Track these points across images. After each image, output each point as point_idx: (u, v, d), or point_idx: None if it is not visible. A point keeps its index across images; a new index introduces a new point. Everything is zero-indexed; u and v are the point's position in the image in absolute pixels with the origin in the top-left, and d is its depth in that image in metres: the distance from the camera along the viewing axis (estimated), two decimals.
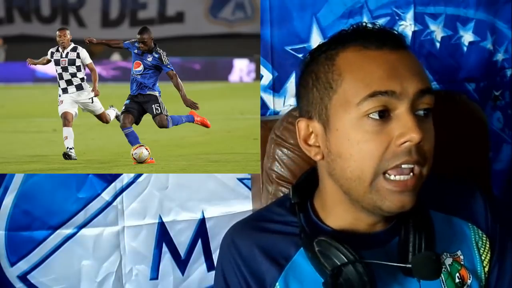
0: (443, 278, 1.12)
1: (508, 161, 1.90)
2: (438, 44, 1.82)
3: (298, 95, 1.12)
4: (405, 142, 0.99)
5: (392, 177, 1.00)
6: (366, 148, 1.00)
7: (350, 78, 1.02)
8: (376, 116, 0.99)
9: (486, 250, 1.16)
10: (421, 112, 1.02)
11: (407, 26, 1.79)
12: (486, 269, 1.16)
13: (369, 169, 1.00)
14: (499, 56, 1.87)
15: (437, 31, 1.81)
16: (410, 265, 1.02)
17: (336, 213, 1.11)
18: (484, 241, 1.16)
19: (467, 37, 1.83)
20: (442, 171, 1.21)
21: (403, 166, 1.00)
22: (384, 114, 1.00)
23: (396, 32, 1.05)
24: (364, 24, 1.06)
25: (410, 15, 1.78)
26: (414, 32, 1.79)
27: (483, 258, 1.16)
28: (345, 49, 1.04)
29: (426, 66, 1.82)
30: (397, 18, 1.78)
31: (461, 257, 1.14)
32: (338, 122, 1.03)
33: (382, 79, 0.99)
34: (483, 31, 1.83)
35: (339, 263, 1.01)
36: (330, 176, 1.08)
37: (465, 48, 1.84)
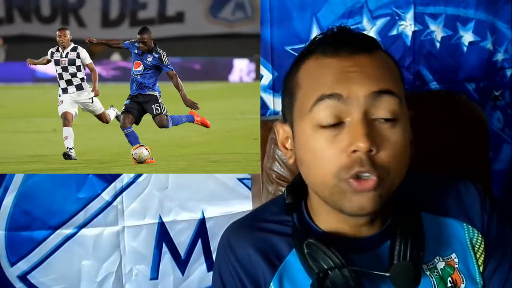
0: (435, 283, 1.11)
1: (508, 161, 1.90)
2: (438, 44, 1.82)
3: (281, 99, 1.15)
4: (354, 151, 0.98)
5: (351, 180, 0.99)
6: (322, 156, 1.00)
7: (304, 86, 1.04)
8: (329, 123, 0.99)
9: (481, 250, 1.15)
10: (381, 119, 0.99)
11: (407, 26, 1.79)
12: (481, 268, 1.15)
13: (329, 175, 1.00)
14: (499, 56, 1.87)
15: (437, 31, 1.81)
16: (388, 274, 1.03)
17: (322, 215, 1.12)
18: (480, 241, 1.15)
19: (467, 37, 1.83)
20: (443, 171, 1.21)
21: (359, 175, 0.99)
22: (337, 122, 0.99)
23: (359, 35, 1.05)
24: (331, 29, 1.06)
25: (410, 15, 1.78)
26: (414, 32, 1.79)
27: (477, 257, 1.15)
28: (309, 57, 1.05)
29: (426, 66, 1.82)
30: (397, 18, 1.78)
31: (456, 260, 1.13)
32: (298, 129, 1.05)
33: (330, 83, 1.00)
34: (483, 31, 1.83)
35: (325, 267, 1.02)
36: None
37: (465, 48, 1.84)
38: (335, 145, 0.99)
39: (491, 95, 1.89)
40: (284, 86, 1.11)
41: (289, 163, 1.12)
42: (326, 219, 1.11)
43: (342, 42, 1.03)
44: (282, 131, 1.12)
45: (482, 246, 1.15)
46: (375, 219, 1.09)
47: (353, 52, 1.01)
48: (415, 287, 1.03)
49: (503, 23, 1.86)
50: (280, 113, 1.77)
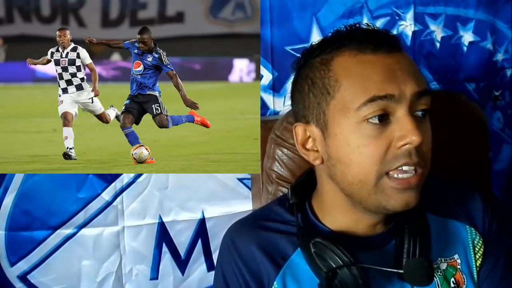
0: (439, 282, 1.12)
1: (508, 161, 1.90)
2: (438, 44, 1.82)
3: (293, 99, 1.11)
4: (405, 144, 0.99)
5: (395, 176, 1.00)
6: (366, 152, 1.00)
7: (347, 84, 1.01)
8: (375, 120, 0.99)
9: (480, 252, 1.16)
10: (419, 113, 1.02)
11: (407, 26, 1.79)
12: (478, 269, 1.16)
13: (371, 173, 1.00)
14: (499, 56, 1.87)
15: (437, 31, 1.81)
16: (402, 271, 1.03)
17: (334, 214, 1.11)
18: (480, 243, 1.16)
19: (467, 37, 1.83)
20: (442, 171, 1.21)
21: (404, 168, 1.00)
22: (383, 118, 1.00)
23: (391, 34, 1.05)
24: (358, 25, 1.05)
25: (410, 15, 1.78)
26: (414, 32, 1.79)
27: (476, 258, 1.16)
28: (340, 54, 1.03)
29: (426, 66, 1.82)
30: (397, 18, 1.78)
31: (458, 260, 1.14)
32: (337, 127, 1.03)
33: (380, 83, 0.99)
34: (483, 31, 1.83)
35: (334, 266, 1.02)
36: (331, 180, 1.08)
37: (465, 48, 1.84)
38: (381, 140, 0.99)
39: (491, 95, 1.89)
40: (306, 84, 1.06)
41: (314, 164, 1.10)
42: (339, 219, 1.10)
43: (380, 38, 1.02)
44: (302, 132, 1.09)
45: (482, 248, 1.16)
46: (389, 217, 1.09)
47: (391, 50, 1.02)
48: (428, 284, 1.04)
49: (503, 23, 1.85)
50: (280, 113, 1.78)
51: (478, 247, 1.16)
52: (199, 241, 1.85)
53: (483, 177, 1.55)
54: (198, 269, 1.87)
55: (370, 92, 0.99)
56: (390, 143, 1.00)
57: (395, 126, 1.00)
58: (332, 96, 1.02)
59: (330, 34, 1.07)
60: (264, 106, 1.79)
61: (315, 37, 1.74)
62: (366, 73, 1.00)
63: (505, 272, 1.17)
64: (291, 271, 1.11)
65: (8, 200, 1.77)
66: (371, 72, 1.00)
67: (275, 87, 1.78)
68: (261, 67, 1.78)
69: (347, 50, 1.03)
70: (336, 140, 1.03)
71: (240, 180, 1.85)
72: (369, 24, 1.06)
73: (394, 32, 1.78)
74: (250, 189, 1.83)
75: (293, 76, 1.11)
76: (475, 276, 1.15)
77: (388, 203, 1.02)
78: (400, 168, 1.00)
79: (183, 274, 1.86)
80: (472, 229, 1.16)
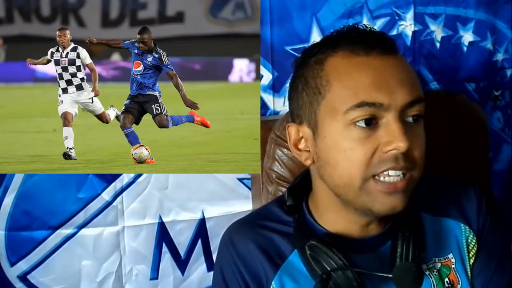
0: (434, 283, 1.12)
1: (508, 161, 1.90)
2: (438, 44, 1.82)
3: (290, 98, 1.11)
4: (391, 150, 0.98)
5: (382, 179, 1.00)
6: (352, 155, 1.00)
7: (337, 86, 1.01)
8: (362, 124, 0.99)
9: (473, 251, 1.16)
10: (410, 119, 1.01)
11: (407, 26, 1.79)
12: (471, 267, 1.16)
13: (357, 176, 1.00)
14: (499, 56, 1.87)
15: (437, 31, 1.81)
16: (391, 275, 1.03)
17: (329, 215, 1.11)
18: (474, 242, 1.16)
19: (467, 37, 1.83)
20: (443, 171, 1.21)
21: (390, 173, 1.00)
22: (371, 122, 0.99)
23: (386, 36, 1.03)
24: (354, 26, 1.04)
25: (410, 15, 1.78)
26: (414, 32, 1.79)
27: (470, 257, 1.16)
28: (334, 54, 1.03)
29: (426, 66, 1.82)
30: (397, 18, 1.78)
31: (452, 260, 1.14)
32: (326, 129, 1.02)
33: (369, 89, 0.98)
34: (483, 31, 1.83)
35: (328, 269, 1.03)
36: (321, 180, 1.08)
37: (465, 48, 1.84)
38: (368, 144, 0.99)
39: (491, 95, 1.89)
40: (300, 83, 1.06)
41: (306, 164, 1.09)
42: (333, 219, 1.10)
43: (372, 41, 1.01)
44: (295, 132, 1.08)
45: (476, 247, 1.16)
46: (383, 218, 1.09)
47: (385, 52, 1.01)
48: None
49: (503, 23, 1.85)
50: (280, 113, 1.78)
51: (472, 245, 1.16)
52: (199, 241, 1.85)
53: (483, 177, 1.55)
54: (198, 269, 1.87)
55: (358, 97, 0.98)
56: (377, 147, 0.99)
57: (383, 131, 0.99)
58: (323, 96, 1.02)
59: (329, 34, 1.07)
60: (264, 106, 1.79)
61: (315, 37, 1.74)
62: (356, 76, 1.00)
63: (497, 269, 1.16)
64: (289, 271, 1.11)
65: (8, 200, 1.77)
66: (362, 75, 0.99)
67: (275, 87, 1.78)
68: (261, 67, 1.78)
69: (341, 50, 1.02)
70: (325, 142, 1.03)
71: (240, 180, 1.85)
72: (367, 25, 1.05)
73: (394, 32, 1.78)
74: (250, 189, 1.83)
75: (292, 75, 1.11)
76: (470, 274, 1.15)
77: (374, 206, 1.02)
78: (387, 172, 0.99)
79: (183, 274, 1.86)
80: (467, 227, 1.16)
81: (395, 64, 1.01)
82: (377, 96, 0.98)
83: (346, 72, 1.01)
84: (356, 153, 0.99)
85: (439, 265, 1.13)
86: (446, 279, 1.13)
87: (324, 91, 1.02)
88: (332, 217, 1.10)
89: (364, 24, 1.05)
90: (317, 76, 1.03)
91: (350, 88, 0.99)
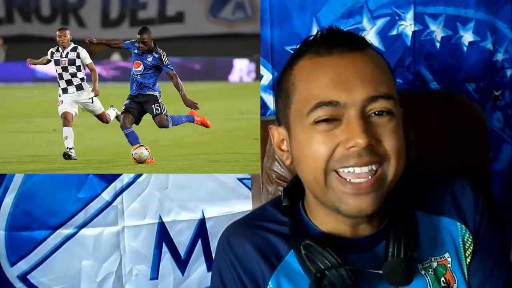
0: (430, 282, 1.12)
1: (508, 161, 1.90)
2: (438, 44, 1.82)
3: (274, 101, 1.15)
4: (352, 146, 1.00)
5: (347, 178, 1.01)
6: (315, 150, 1.02)
7: (301, 89, 1.05)
8: (323, 123, 1.01)
9: (470, 250, 1.16)
10: (373, 115, 1.01)
11: (407, 26, 1.79)
12: (468, 266, 1.16)
13: (320, 170, 1.02)
14: (499, 56, 1.87)
15: (437, 31, 1.81)
16: (381, 271, 1.04)
17: (319, 215, 1.12)
18: (470, 241, 1.16)
19: (467, 37, 1.83)
20: (443, 171, 1.21)
21: (356, 170, 1.01)
22: (332, 121, 1.01)
23: (352, 34, 1.05)
24: (322, 29, 1.07)
25: (410, 15, 1.78)
26: (414, 32, 1.79)
27: (466, 256, 1.15)
28: (300, 58, 1.06)
29: (426, 66, 1.82)
30: (397, 18, 1.78)
31: (449, 259, 1.14)
32: (296, 130, 1.06)
33: (327, 88, 1.01)
34: (483, 31, 1.83)
35: (323, 267, 1.03)
36: None
37: (465, 48, 1.84)
38: (330, 139, 1.01)
39: (491, 95, 1.89)
40: (278, 87, 1.11)
41: (286, 164, 1.13)
42: (323, 219, 1.11)
43: (334, 40, 1.03)
44: (277, 133, 1.13)
45: (472, 246, 1.16)
46: (373, 218, 1.09)
47: (345, 50, 1.02)
48: (408, 283, 1.05)
49: (503, 23, 1.85)
50: None
51: (468, 244, 1.15)
52: (199, 241, 1.85)
53: (483, 177, 1.55)
54: (198, 269, 1.87)
55: (316, 98, 1.01)
56: (339, 143, 1.01)
57: (343, 127, 1.01)
58: (291, 100, 1.06)
59: (304, 38, 1.09)
60: (264, 106, 1.80)
61: None
62: (316, 77, 1.02)
63: (495, 268, 1.16)
64: (286, 272, 1.11)
65: (8, 200, 1.77)
66: (321, 75, 1.02)
67: (275, 87, 1.77)
68: (261, 67, 1.78)
69: (307, 53, 1.05)
70: (296, 141, 1.07)
71: (240, 180, 1.85)
72: (334, 27, 1.07)
73: (394, 32, 1.78)
74: (250, 189, 1.83)
75: None
76: (466, 274, 1.15)
77: (340, 206, 1.03)
78: (352, 169, 1.00)
79: (183, 274, 1.86)
80: (463, 226, 1.15)
81: (358, 61, 1.02)
82: (334, 95, 1.00)
83: (308, 73, 1.04)
84: (318, 148, 1.02)
85: (435, 264, 1.13)
86: (442, 279, 1.13)
87: (291, 95, 1.06)
88: (322, 217, 1.12)
89: (332, 26, 1.07)
90: (287, 80, 1.08)
91: (310, 90, 1.03)
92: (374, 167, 1.01)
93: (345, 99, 0.99)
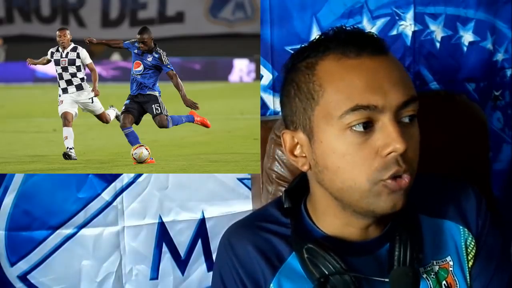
0: (431, 286, 1.11)
1: (508, 161, 1.90)
2: (438, 44, 1.82)
3: (282, 104, 1.10)
4: (390, 152, 0.98)
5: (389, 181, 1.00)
6: (352, 160, 0.99)
7: (331, 90, 1.00)
8: (360, 128, 0.98)
9: (472, 254, 1.15)
10: (406, 119, 1.01)
11: (407, 26, 1.79)
12: (470, 269, 1.15)
13: (362, 179, 1.00)
14: (499, 56, 1.87)
15: (437, 31, 1.81)
16: (387, 280, 1.03)
17: (327, 218, 1.11)
18: (472, 245, 1.15)
19: (467, 37, 1.83)
20: (443, 171, 1.21)
21: (396, 175, 1.00)
22: (368, 125, 0.99)
23: (375, 37, 1.03)
24: (343, 28, 1.03)
25: (410, 15, 1.78)
26: (414, 32, 1.79)
27: (468, 259, 1.15)
28: (324, 58, 1.01)
29: (426, 66, 1.82)
30: (397, 18, 1.78)
31: (450, 263, 1.13)
32: (322, 134, 1.01)
33: (363, 91, 0.98)
34: (483, 31, 1.83)
35: (326, 272, 1.02)
36: (320, 185, 1.07)
37: (465, 48, 1.84)
38: (367, 149, 0.99)
39: (491, 95, 1.89)
40: (292, 88, 1.05)
41: (303, 170, 1.09)
42: (331, 222, 1.10)
43: (362, 42, 1.01)
44: (291, 139, 1.07)
45: (474, 249, 1.15)
46: (382, 220, 1.08)
47: (376, 53, 1.00)
48: None
49: (503, 23, 1.85)
50: (280, 113, 1.78)
51: (471, 248, 1.15)
52: (199, 241, 1.85)
53: (483, 177, 1.55)
54: (198, 269, 1.87)
55: (353, 101, 0.98)
56: (375, 151, 0.99)
57: (379, 133, 0.99)
58: (317, 101, 1.01)
59: (317, 37, 1.06)
60: (264, 106, 1.80)
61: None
62: (349, 79, 0.99)
63: (497, 271, 1.15)
64: (287, 273, 1.10)
65: (8, 200, 1.77)
66: (354, 78, 0.99)
67: (275, 87, 1.78)
68: (261, 67, 1.78)
69: (331, 53, 1.01)
70: (322, 147, 1.02)
71: (240, 180, 1.85)
72: (355, 26, 1.05)
73: (394, 32, 1.78)
74: (250, 189, 1.83)
75: (282, 80, 1.10)
76: (468, 278, 1.14)
77: (378, 205, 1.01)
78: (393, 175, 0.99)
79: (183, 274, 1.86)
80: (465, 229, 1.15)
81: (387, 64, 1.01)
82: (372, 99, 0.97)
83: (338, 75, 1.00)
84: (355, 158, 0.99)
85: (437, 267, 1.12)
86: (444, 282, 1.12)
87: (317, 96, 1.01)
88: (330, 220, 1.10)
89: (352, 26, 1.05)
90: (309, 81, 1.02)
91: (343, 92, 0.99)
92: (406, 175, 1.00)
93: (382, 103, 0.97)
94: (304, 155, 1.07)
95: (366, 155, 0.99)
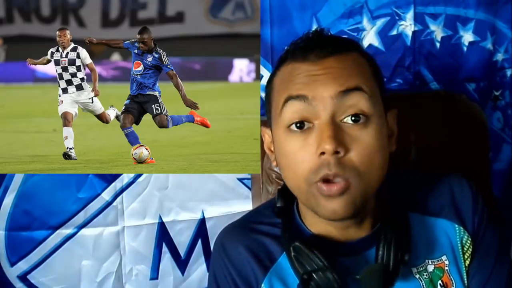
0: (424, 286, 1.10)
1: (508, 161, 1.90)
2: (438, 44, 1.82)
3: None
4: (321, 153, 0.98)
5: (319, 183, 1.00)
6: (294, 160, 1.01)
7: (276, 91, 1.06)
8: (295, 128, 1.01)
9: (469, 253, 1.14)
10: (347, 120, 0.99)
11: (407, 26, 1.79)
12: (467, 269, 1.14)
13: (301, 179, 1.01)
14: (499, 56, 1.87)
15: (437, 31, 1.81)
16: (358, 277, 1.03)
17: (310, 218, 1.12)
18: (469, 243, 1.14)
19: (467, 37, 1.83)
20: (442, 171, 1.21)
21: (327, 178, 0.99)
22: (304, 125, 1.00)
23: (330, 40, 1.05)
24: (305, 35, 1.08)
25: (410, 15, 1.78)
26: (414, 32, 1.79)
27: (465, 258, 1.14)
28: (283, 64, 1.07)
29: (426, 66, 1.82)
30: (397, 18, 1.78)
31: (446, 262, 1.12)
32: (274, 134, 1.07)
33: (297, 85, 1.02)
34: (483, 31, 1.83)
35: (309, 269, 1.03)
36: None
37: (465, 48, 1.84)
38: (306, 148, 1.00)
39: (491, 95, 1.89)
40: (265, 92, 1.13)
41: (274, 166, 1.15)
42: (313, 222, 1.11)
43: (311, 47, 1.04)
44: (267, 135, 1.13)
45: (471, 248, 1.14)
46: (362, 221, 1.08)
47: (321, 57, 1.03)
48: None
49: (503, 23, 1.85)
50: None
51: (467, 246, 1.14)
52: (199, 241, 1.85)
53: (483, 177, 1.55)
54: (198, 269, 1.87)
55: (286, 94, 1.02)
56: (313, 151, 0.99)
57: (315, 133, 1.00)
58: (271, 104, 1.08)
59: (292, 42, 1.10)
60: (264, 106, 1.79)
61: None
62: (290, 79, 1.03)
63: (495, 269, 1.14)
64: (279, 273, 1.11)
65: (8, 200, 1.77)
66: (294, 78, 1.03)
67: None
68: (261, 67, 1.78)
69: (288, 59, 1.06)
70: (276, 146, 1.08)
71: (240, 180, 1.85)
72: (320, 29, 1.07)
73: (394, 32, 1.78)
74: (250, 189, 1.83)
75: None
76: (465, 277, 1.13)
77: (318, 209, 1.02)
78: (323, 178, 0.99)
79: (183, 274, 1.86)
80: (461, 228, 1.14)
81: (335, 64, 1.02)
82: (302, 89, 1.01)
83: (284, 78, 1.05)
84: (297, 158, 1.01)
85: (432, 267, 1.12)
86: (439, 282, 1.11)
87: (271, 99, 1.08)
88: (311, 219, 1.11)
89: (317, 29, 1.08)
90: (270, 85, 1.10)
91: (283, 90, 1.04)
92: (340, 179, 0.98)
93: (313, 94, 0.99)
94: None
95: (305, 155, 1.00)
